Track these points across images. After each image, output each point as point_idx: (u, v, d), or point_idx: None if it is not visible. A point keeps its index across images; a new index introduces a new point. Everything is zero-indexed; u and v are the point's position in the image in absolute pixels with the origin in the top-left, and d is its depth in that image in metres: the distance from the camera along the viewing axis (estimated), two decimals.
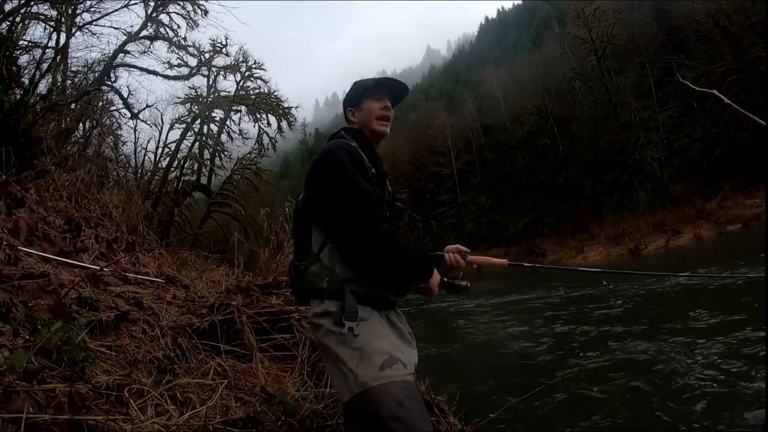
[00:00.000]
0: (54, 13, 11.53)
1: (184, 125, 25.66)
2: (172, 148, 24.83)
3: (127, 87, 21.70)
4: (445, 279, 2.34)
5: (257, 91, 28.33)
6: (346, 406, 1.99)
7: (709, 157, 36.79)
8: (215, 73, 26.17)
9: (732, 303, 9.43)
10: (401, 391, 1.90)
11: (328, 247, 2.15)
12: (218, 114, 27.63)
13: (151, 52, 19.81)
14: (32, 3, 9.96)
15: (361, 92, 2.43)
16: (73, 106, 11.04)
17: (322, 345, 2.13)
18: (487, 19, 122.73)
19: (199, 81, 26.98)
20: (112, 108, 17.75)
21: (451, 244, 2.49)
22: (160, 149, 24.34)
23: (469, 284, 2.37)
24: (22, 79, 9.42)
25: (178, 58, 22.06)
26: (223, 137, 28.23)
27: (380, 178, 2.32)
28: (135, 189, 11.07)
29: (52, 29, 11.83)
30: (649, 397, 6.11)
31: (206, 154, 27.74)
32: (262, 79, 28.28)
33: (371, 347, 1.98)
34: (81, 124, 12.11)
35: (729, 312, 8.91)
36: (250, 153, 28.89)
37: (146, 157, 22.66)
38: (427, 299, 2.35)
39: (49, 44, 11.69)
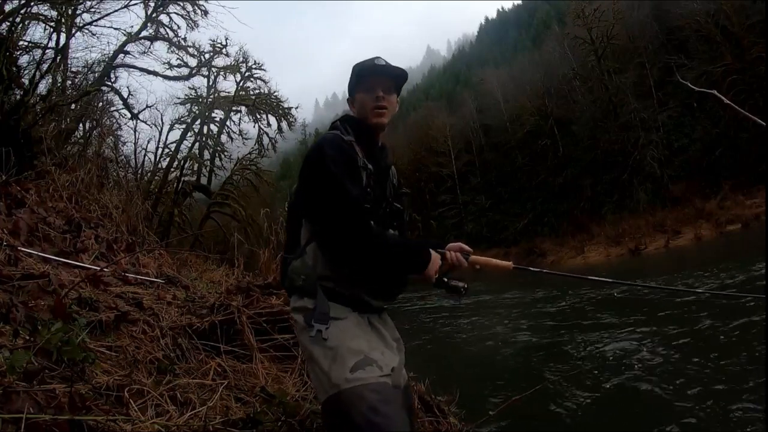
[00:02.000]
0: (54, 13, 11.57)
1: (184, 126, 25.73)
2: (172, 149, 24.93)
3: (127, 87, 21.76)
4: (444, 279, 2.25)
5: (257, 91, 28.35)
6: (323, 406, 1.95)
7: (709, 157, 36.75)
8: (215, 74, 26.21)
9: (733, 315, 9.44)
10: (373, 395, 1.83)
11: (313, 243, 2.12)
12: (218, 114, 27.71)
13: (151, 52, 19.82)
14: (32, 3, 9.99)
15: (354, 83, 2.36)
16: (73, 106, 11.05)
17: (300, 341, 2.12)
18: (486, 19, 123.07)
19: (199, 81, 27.01)
20: (112, 108, 17.76)
21: (452, 243, 2.44)
22: (160, 150, 24.45)
23: (466, 286, 2.26)
24: (22, 79, 9.44)
25: (178, 58, 22.07)
26: (223, 137, 28.30)
27: (380, 172, 2.29)
28: (135, 189, 11.08)
29: (52, 30, 11.86)
30: (644, 395, 6.14)
31: (206, 155, 27.78)
32: (262, 80, 28.34)
33: (345, 347, 1.94)
34: (81, 125, 12.12)
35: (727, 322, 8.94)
36: (250, 153, 28.91)
37: (146, 158, 22.74)
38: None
39: (49, 45, 11.74)
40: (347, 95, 2.45)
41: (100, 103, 14.91)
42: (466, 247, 2.40)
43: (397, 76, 2.38)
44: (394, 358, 2.13)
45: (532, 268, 2.76)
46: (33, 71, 10.21)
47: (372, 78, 2.32)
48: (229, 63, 25.78)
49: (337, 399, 1.85)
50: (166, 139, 24.96)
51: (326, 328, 1.96)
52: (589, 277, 3.03)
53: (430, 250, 2.18)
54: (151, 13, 19.43)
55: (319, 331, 1.95)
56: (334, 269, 2.07)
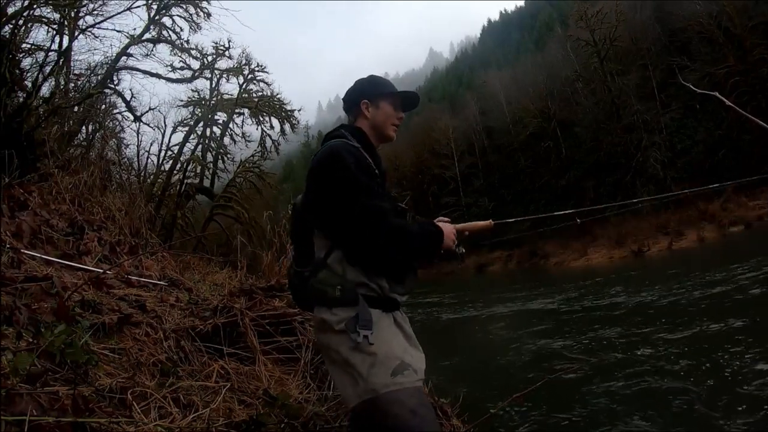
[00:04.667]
0: (57, 16, 11.54)
1: (186, 128, 25.66)
2: (175, 151, 24.83)
3: (130, 90, 21.46)
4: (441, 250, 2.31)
5: (260, 93, 28.28)
6: (353, 411, 1.96)
7: (712, 159, 36.71)
8: (218, 76, 26.11)
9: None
10: (412, 399, 1.87)
11: (336, 252, 2.10)
12: (221, 117, 27.63)
13: (153, 55, 19.72)
14: (35, 6, 9.98)
15: (381, 92, 2.40)
16: (75, 109, 11.05)
17: (329, 349, 2.09)
18: (489, 21, 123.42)
19: (202, 84, 26.84)
20: (114, 111, 17.71)
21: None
22: (163, 152, 24.38)
23: (464, 250, 2.38)
24: (25, 82, 9.45)
25: (180, 60, 21.95)
26: (226, 140, 28.24)
27: (383, 177, 2.30)
28: (138, 192, 11.08)
29: (54, 32, 11.85)
30: (643, 391, 6.17)
31: (209, 157, 27.73)
32: (264, 82, 28.23)
33: (383, 352, 1.95)
34: (84, 127, 12.13)
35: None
36: (252, 156, 28.89)
37: (149, 160, 22.63)
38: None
39: (52, 47, 11.74)
40: (358, 95, 2.45)
41: (103, 106, 14.97)
42: (445, 219, 2.45)
43: (413, 106, 2.56)
44: (422, 359, 2.14)
45: (509, 220, 2.85)
46: (36, 74, 10.25)
47: (402, 98, 2.45)
48: (231, 65, 25.67)
49: (373, 403, 1.88)
50: (169, 141, 24.92)
51: (372, 333, 1.96)
52: (555, 213, 3.06)
53: (437, 223, 2.27)
54: (154, 15, 19.41)
55: (366, 336, 1.95)
56: (365, 272, 2.08)
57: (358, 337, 1.95)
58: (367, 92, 2.42)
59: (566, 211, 2.94)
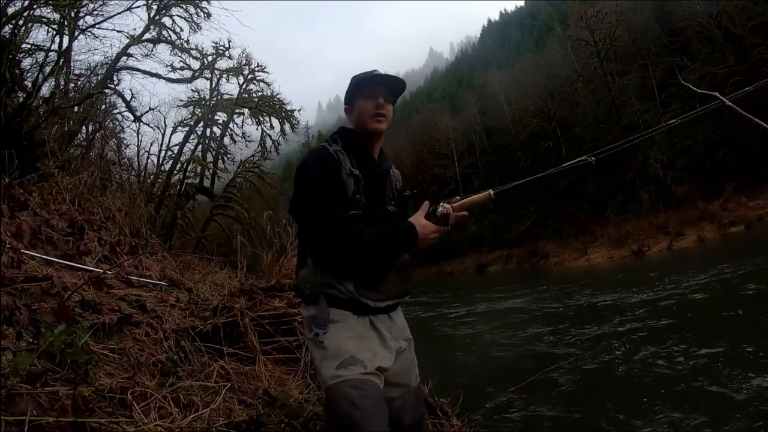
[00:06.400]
0: (57, 16, 11.54)
1: (186, 128, 25.58)
2: (175, 151, 24.77)
3: (130, 90, 21.47)
4: (447, 227, 2.24)
5: (260, 93, 28.18)
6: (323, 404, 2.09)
7: (712, 159, 36.69)
8: (218, 76, 26.03)
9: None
10: (354, 391, 1.92)
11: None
12: (221, 117, 27.53)
13: (153, 55, 19.65)
14: (35, 6, 9.98)
15: (353, 91, 2.39)
16: (75, 109, 11.03)
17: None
18: (489, 21, 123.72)
19: (202, 84, 26.77)
20: (114, 111, 17.63)
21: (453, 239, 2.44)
22: (163, 152, 24.31)
23: (466, 213, 2.34)
24: (25, 82, 9.45)
25: (180, 61, 21.89)
26: (226, 140, 28.13)
27: (374, 178, 2.32)
28: (138, 192, 11.07)
29: (54, 32, 11.84)
30: (635, 391, 6.18)
31: (209, 157, 27.63)
32: (264, 82, 28.15)
33: (334, 347, 2.04)
34: (84, 127, 12.10)
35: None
36: (253, 156, 28.81)
37: (149, 160, 22.53)
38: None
39: (52, 47, 11.73)
40: (344, 103, 2.50)
41: (103, 106, 14.93)
42: (448, 204, 2.32)
43: (397, 87, 2.43)
44: (387, 358, 2.17)
45: (508, 185, 2.76)
46: (36, 74, 10.24)
47: (373, 86, 2.35)
48: (231, 65, 25.60)
49: (326, 395, 2.00)
50: (169, 141, 24.86)
51: (324, 333, 2.07)
52: (563, 165, 2.84)
53: (412, 221, 2.17)
54: (154, 15, 19.38)
55: (317, 334, 2.06)
56: (332, 275, 2.14)
57: (310, 333, 2.10)
58: (346, 98, 2.46)
59: (578, 159, 2.72)
